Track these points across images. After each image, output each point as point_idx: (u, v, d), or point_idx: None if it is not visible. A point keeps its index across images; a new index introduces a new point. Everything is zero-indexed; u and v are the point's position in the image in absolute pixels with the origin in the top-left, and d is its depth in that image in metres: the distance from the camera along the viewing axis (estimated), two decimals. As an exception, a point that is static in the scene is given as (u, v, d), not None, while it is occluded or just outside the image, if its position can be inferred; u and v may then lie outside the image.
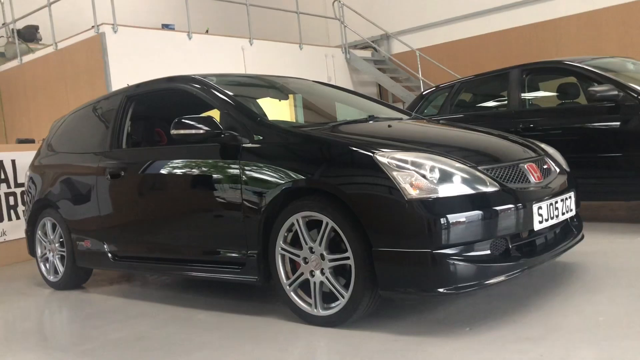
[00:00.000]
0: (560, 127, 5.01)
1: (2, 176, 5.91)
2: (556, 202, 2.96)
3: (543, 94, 5.86)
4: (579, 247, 3.40)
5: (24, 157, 5.79)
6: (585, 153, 4.72)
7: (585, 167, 4.62)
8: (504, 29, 11.06)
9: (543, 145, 3.48)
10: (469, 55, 11.37)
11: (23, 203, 5.90)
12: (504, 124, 5.12)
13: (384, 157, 2.65)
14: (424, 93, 6.71)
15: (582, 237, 3.32)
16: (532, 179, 2.93)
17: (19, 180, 5.96)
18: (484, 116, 5.71)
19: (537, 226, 2.79)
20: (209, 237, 3.36)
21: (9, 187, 5.93)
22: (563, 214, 3.02)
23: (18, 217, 5.93)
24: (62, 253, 4.45)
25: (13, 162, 6.00)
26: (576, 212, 3.28)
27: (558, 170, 3.26)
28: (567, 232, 3.22)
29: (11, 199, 5.95)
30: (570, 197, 3.13)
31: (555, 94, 5.55)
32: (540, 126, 5.04)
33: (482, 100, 6.33)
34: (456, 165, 2.69)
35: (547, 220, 2.86)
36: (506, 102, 5.52)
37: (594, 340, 2.32)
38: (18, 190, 5.95)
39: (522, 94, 5.37)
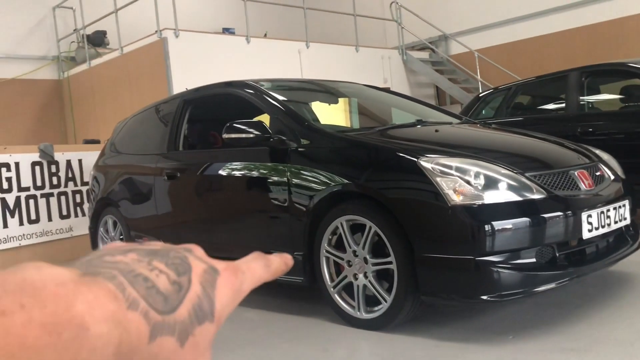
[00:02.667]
0: (622, 131, 4.83)
1: (70, 175, 6.23)
2: (608, 210, 2.88)
3: (604, 97, 5.66)
4: (636, 257, 3.28)
5: (90, 157, 6.08)
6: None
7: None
8: (567, 29, 10.71)
9: (597, 151, 3.39)
10: (530, 56, 11.08)
11: (88, 201, 6.21)
12: (562, 127, 4.99)
13: (427, 162, 2.66)
14: (480, 95, 6.61)
15: (639, 247, 3.21)
16: (582, 186, 2.86)
17: (85, 179, 6.28)
18: (541, 119, 5.58)
19: (586, 235, 2.72)
20: (258, 237, 3.46)
21: (75, 185, 6.25)
22: (615, 222, 2.93)
23: (84, 214, 6.24)
24: (122, 249, 4.66)
25: (80, 161, 6.31)
26: (631, 220, 3.17)
27: (612, 177, 3.16)
28: (621, 241, 3.11)
29: (77, 196, 6.27)
30: (624, 205, 3.04)
31: (617, 97, 5.36)
32: (600, 130, 4.88)
33: (540, 103, 6.17)
34: (502, 172, 2.66)
35: (597, 228, 2.78)
36: (564, 105, 5.37)
37: (643, 354, 2.26)
38: (84, 189, 6.26)
39: (581, 97, 5.22)
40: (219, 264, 0.35)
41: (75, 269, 0.28)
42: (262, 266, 0.37)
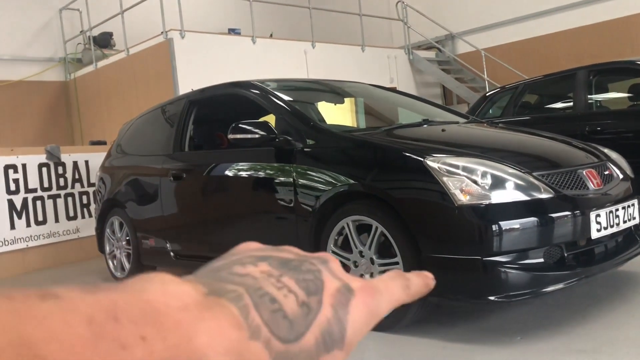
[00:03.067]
0: (630, 130, 4.80)
1: (77, 176, 6.26)
2: (617, 210, 2.85)
3: (612, 95, 5.62)
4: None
5: (96, 158, 6.10)
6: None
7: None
8: (574, 27, 10.65)
9: (606, 151, 3.36)
10: (537, 55, 11.02)
11: (94, 202, 6.23)
12: (569, 126, 4.95)
13: (434, 162, 2.64)
14: (487, 94, 6.58)
15: (648, 247, 3.17)
16: (591, 186, 2.83)
17: (92, 180, 6.29)
18: (548, 118, 5.55)
19: (594, 234, 2.70)
20: (264, 238, 3.43)
21: (82, 186, 6.27)
22: (625, 222, 2.90)
23: (90, 215, 6.26)
24: (129, 251, 4.67)
25: (86, 162, 6.33)
26: (641, 220, 3.14)
27: (621, 176, 3.13)
28: (630, 241, 3.08)
29: (84, 197, 6.28)
30: (633, 205, 3.00)
31: (625, 95, 5.32)
32: (608, 129, 4.84)
33: (547, 102, 6.14)
34: (509, 171, 2.64)
35: (606, 228, 2.75)
36: (572, 104, 5.34)
37: (653, 355, 2.23)
38: (90, 190, 6.28)
39: (589, 96, 5.18)
40: (355, 282, 0.31)
41: (201, 284, 0.26)
42: (401, 287, 0.34)
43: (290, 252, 0.32)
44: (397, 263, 2.71)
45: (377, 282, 0.32)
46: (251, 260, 0.30)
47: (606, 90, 5.59)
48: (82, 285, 0.24)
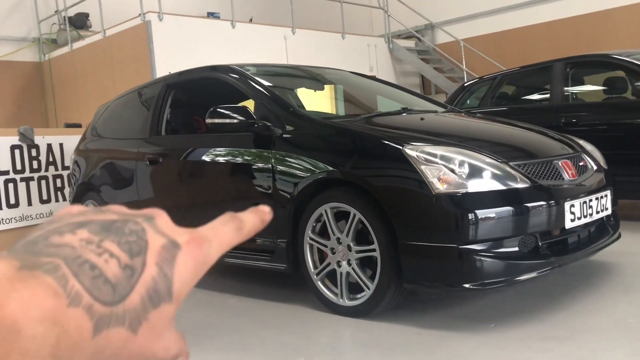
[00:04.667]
0: (605, 122, 4.87)
1: (51, 159, 6.14)
2: (590, 200, 2.89)
3: (588, 88, 5.70)
4: (618, 247, 3.32)
5: (71, 141, 5.99)
6: (631, 150, 4.58)
7: (631, 164, 4.50)
8: (553, 20, 10.75)
9: (581, 142, 3.41)
10: (515, 46, 11.11)
11: (69, 185, 6.13)
12: (546, 118, 5.01)
13: (412, 150, 2.65)
14: (465, 84, 6.61)
15: (619, 236, 3.24)
16: (566, 176, 2.87)
17: (66, 163, 6.19)
18: (525, 109, 5.60)
19: (568, 224, 2.74)
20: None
21: (56, 169, 6.16)
22: (597, 212, 2.96)
23: (65, 199, 6.16)
24: (103, 235, 4.61)
25: (61, 145, 6.22)
26: (613, 210, 3.20)
27: (595, 167, 3.18)
28: (602, 231, 3.14)
29: (58, 181, 6.18)
30: (606, 196, 3.06)
31: (601, 88, 5.40)
32: (583, 121, 4.91)
33: (525, 93, 6.20)
34: (486, 161, 2.66)
35: (579, 218, 2.80)
36: (549, 95, 5.39)
37: (622, 342, 2.28)
38: (65, 173, 6.17)
39: (566, 88, 5.24)
40: (182, 235, 0.32)
41: (15, 259, 0.26)
42: (233, 229, 0.35)
43: (114, 212, 0.32)
44: (374, 250, 2.73)
45: (206, 230, 0.33)
46: (70, 228, 0.30)
47: (582, 83, 5.65)
48: None
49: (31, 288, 0.25)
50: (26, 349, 0.24)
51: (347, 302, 2.88)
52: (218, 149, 3.55)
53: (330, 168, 2.92)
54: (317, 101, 4.34)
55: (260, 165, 3.24)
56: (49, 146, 6.12)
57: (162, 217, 0.33)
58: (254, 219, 0.36)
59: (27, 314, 0.25)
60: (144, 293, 0.29)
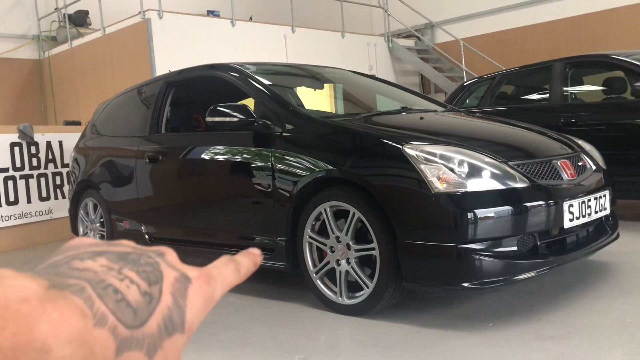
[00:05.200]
0: (604, 122, 4.88)
1: (50, 156, 6.14)
2: (589, 200, 2.90)
3: (587, 88, 5.70)
4: (616, 247, 3.33)
5: (71, 139, 6.00)
6: (630, 150, 4.59)
7: (630, 165, 4.51)
8: (552, 20, 10.76)
9: (580, 142, 3.42)
10: (515, 46, 11.12)
11: (68, 183, 6.13)
12: (545, 118, 5.02)
13: (412, 149, 2.66)
14: (465, 84, 6.62)
15: (617, 236, 3.24)
16: (565, 176, 2.88)
17: (65, 161, 6.19)
18: (524, 109, 5.60)
19: (567, 224, 2.75)
20: (241, 222, 3.44)
21: (55, 167, 6.17)
22: (596, 212, 2.97)
23: (64, 197, 6.16)
24: (103, 233, 4.62)
25: (60, 143, 6.22)
26: (611, 210, 3.21)
27: (594, 167, 3.19)
28: (601, 231, 3.15)
29: (58, 178, 6.18)
30: (604, 196, 3.07)
31: (600, 88, 5.41)
32: (582, 121, 4.92)
33: (524, 93, 6.21)
34: (486, 160, 2.67)
35: (578, 218, 2.81)
36: (548, 95, 5.40)
37: (619, 342, 2.29)
38: (64, 171, 6.17)
39: (565, 88, 5.25)
40: (191, 271, 0.34)
41: (42, 279, 0.27)
42: (232, 271, 0.36)
43: (126, 246, 0.34)
44: (373, 249, 2.73)
45: (211, 269, 0.35)
46: (89, 256, 0.31)
47: (581, 83, 5.66)
48: None
49: (60, 309, 0.26)
50: None
51: (346, 301, 2.88)
52: (218, 147, 3.55)
53: (330, 167, 2.92)
54: (316, 100, 4.34)
55: (259, 163, 3.25)
56: (49, 144, 6.12)
57: (171, 254, 0.34)
58: (247, 261, 0.38)
59: (56, 335, 0.25)
60: (160, 320, 0.30)
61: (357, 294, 2.85)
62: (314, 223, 3.00)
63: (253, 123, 3.28)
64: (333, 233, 2.91)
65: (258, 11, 11.66)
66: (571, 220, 2.77)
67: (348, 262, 2.86)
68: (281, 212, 3.13)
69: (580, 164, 3.10)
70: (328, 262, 2.95)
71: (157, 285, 0.31)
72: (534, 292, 3.02)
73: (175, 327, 0.30)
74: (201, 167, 3.70)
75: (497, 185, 2.61)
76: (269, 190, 3.18)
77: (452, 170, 2.58)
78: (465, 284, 2.53)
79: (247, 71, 3.72)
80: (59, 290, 0.26)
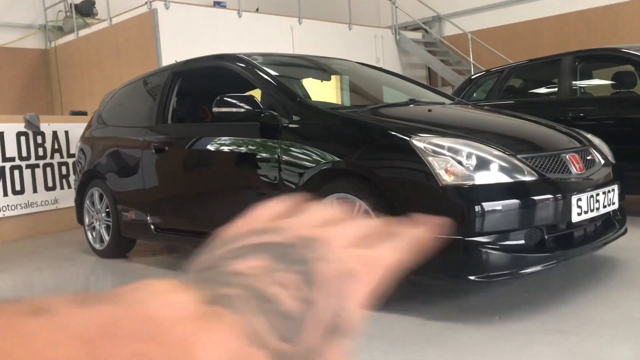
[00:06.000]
0: (613, 117, 4.84)
1: (56, 146, 6.15)
2: (597, 195, 2.88)
3: (596, 82, 5.66)
4: (624, 242, 3.30)
5: (77, 129, 6.00)
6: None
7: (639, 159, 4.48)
8: (561, 14, 10.67)
9: (589, 136, 3.39)
10: (524, 39, 11.04)
11: (74, 173, 6.14)
12: (553, 111, 4.98)
13: (420, 141, 2.64)
14: (472, 77, 6.58)
15: (625, 231, 3.22)
16: (573, 170, 2.86)
17: (71, 151, 6.20)
18: (532, 103, 5.57)
19: (575, 218, 2.73)
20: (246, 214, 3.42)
21: (61, 157, 6.18)
22: (604, 206, 2.94)
23: (69, 187, 6.17)
24: (108, 223, 4.62)
25: (66, 133, 6.23)
26: (620, 205, 3.18)
27: (603, 161, 3.16)
28: (608, 225, 3.13)
29: (64, 168, 6.19)
30: (613, 190, 3.04)
31: (609, 82, 5.36)
32: (591, 115, 4.88)
33: (532, 86, 6.16)
34: (494, 153, 2.65)
35: (586, 212, 2.79)
36: (557, 89, 5.36)
37: (627, 336, 2.28)
38: (70, 161, 6.18)
39: (574, 82, 5.21)
40: (351, 261, 0.30)
41: (194, 290, 0.25)
42: (394, 250, 0.32)
43: (286, 233, 0.30)
44: (379, 241, 2.72)
45: (375, 256, 0.31)
46: (241, 253, 0.28)
47: (590, 77, 5.62)
48: (74, 296, 0.23)
49: (216, 330, 0.24)
50: None
51: (351, 293, 2.87)
52: (224, 137, 3.54)
53: (337, 158, 2.91)
54: (323, 91, 4.32)
55: (266, 154, 3.24)
56: (55, 133, 6.13)
57: (337, 241, 0.31)
58: (413, 234, 0.33)
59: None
60: (320, 328, 0.27)
61: (363, 286, 2.83)
62: (320, 215, 2.99)
63: (260, 114, 3.26)
64: (339, 225, 2.89)
65: (264, 2, 11.61)
66: (579, 214, 2.75)
67: (354, 254, 2.84)
68: (287, 204, 3.11)
69: (589, 158, 3.08)
70: (334, 254, 2.94)
71: (314, 287, 0.28)
72: (541, 286, 3.00)
73: (337, 332, 0.27)
74: (207, 158, 3.70)
75: (505, 178, 2.59)
76: (275, 181, 3.17)
77: (460, 162, 2.57)
78: (472, 277, 2.52)
79: (254, 62, 3.71)
80: (211, 306, 0.25)
